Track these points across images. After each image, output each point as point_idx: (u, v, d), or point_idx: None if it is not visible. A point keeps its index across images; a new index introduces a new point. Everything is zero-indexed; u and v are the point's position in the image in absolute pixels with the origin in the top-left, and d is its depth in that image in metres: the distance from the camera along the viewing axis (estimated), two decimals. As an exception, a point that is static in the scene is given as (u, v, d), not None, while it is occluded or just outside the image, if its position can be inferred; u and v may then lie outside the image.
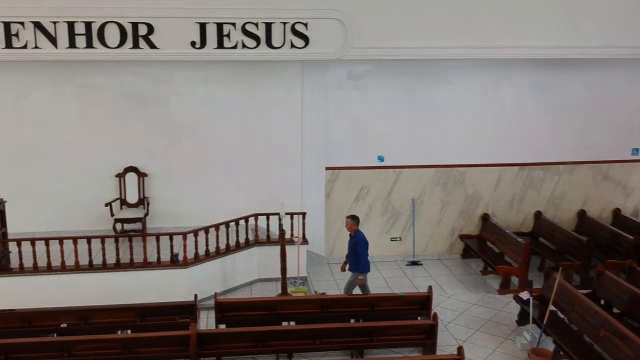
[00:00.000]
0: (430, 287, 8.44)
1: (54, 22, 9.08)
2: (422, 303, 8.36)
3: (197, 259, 9.43)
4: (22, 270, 8.90)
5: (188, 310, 8.01)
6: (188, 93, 10.77)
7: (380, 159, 11.33)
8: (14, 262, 9.08)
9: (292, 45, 9.62)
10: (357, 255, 8.63)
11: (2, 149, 10.47)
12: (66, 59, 9.46)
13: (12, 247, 9.13)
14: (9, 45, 9.06)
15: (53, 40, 9.13)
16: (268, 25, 9.51)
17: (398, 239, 11.65)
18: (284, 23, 9.53)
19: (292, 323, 8.14)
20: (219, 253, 9.67)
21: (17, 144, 10.51)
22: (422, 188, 11.53)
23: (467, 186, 11.68)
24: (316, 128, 10.99)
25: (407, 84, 11.13)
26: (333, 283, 10.46)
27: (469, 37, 10.00)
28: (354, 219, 8.82)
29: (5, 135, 10.46)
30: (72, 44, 9.18)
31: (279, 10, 9.48)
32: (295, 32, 9.59)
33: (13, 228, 9.45)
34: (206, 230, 9.47)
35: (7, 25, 8.99)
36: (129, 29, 9.24)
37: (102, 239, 9.09)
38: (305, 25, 9.57)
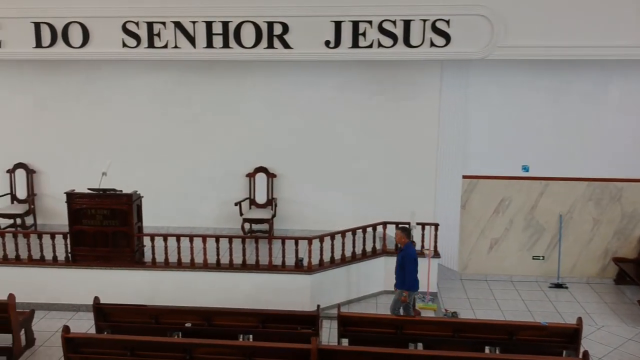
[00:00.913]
0: (580, 319, 7.39)
1: (193, 22, 9.20)
2: (569, 336, 7.36)
3: (322, 266, 9.14)
4: (154, 265, 9.13)
5: (310, 320, 7.70)
6: (318, 95, 10.52)
7: (525, 169, 10.34)
8: (147, 256, 9.34)
9: (432, 44, 9.02)
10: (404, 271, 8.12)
11: (143, 146, 10.87)
12: (204, 59, 9.60)
13: (146, 241, 9.37)
14: (151, 44, 9.32)
15: (192, 40, 9.26)
16: (407, 23, 8.98)
17: (541, 257, 10.57)
18: (424, 20, 8.95)
19: (420, 345, 7.54)
20: (344, 261, 9.31)
21: (157, 142, 10.85)
22: (571, 203, 10.36)
23: (624, 203, 10.33)
24: (454, 133, 10.26)
25: (557, 86, 10.05)
26: (465, 301, 9.69)
27: (636, 35, 8.79)
28: (404, 230, 8.26)
29: (145, 133, 10.83)
30: (209, 44, 9.26)
31: (420, 7, 8.91)
32: (436, 30, 8.96)
33: (148, 222, 9.70)
34: (332, 236, 9.15)
35: (150, 26, 9.25)
36: (264, 28, 9.16)
37: (230, 239, 9.08)
38: (447, 22, 8.92)
